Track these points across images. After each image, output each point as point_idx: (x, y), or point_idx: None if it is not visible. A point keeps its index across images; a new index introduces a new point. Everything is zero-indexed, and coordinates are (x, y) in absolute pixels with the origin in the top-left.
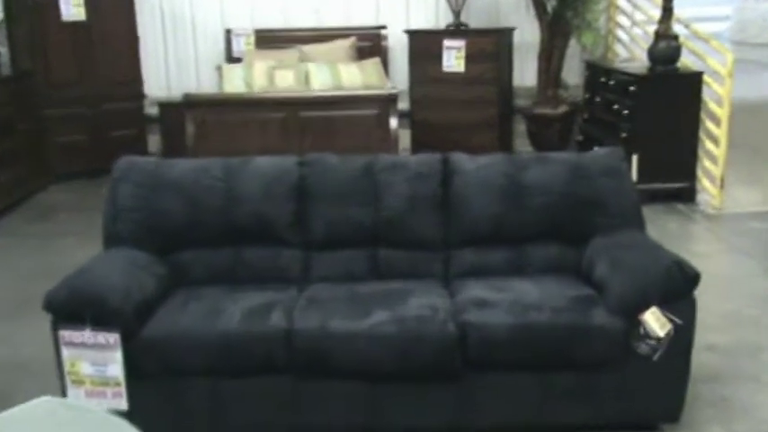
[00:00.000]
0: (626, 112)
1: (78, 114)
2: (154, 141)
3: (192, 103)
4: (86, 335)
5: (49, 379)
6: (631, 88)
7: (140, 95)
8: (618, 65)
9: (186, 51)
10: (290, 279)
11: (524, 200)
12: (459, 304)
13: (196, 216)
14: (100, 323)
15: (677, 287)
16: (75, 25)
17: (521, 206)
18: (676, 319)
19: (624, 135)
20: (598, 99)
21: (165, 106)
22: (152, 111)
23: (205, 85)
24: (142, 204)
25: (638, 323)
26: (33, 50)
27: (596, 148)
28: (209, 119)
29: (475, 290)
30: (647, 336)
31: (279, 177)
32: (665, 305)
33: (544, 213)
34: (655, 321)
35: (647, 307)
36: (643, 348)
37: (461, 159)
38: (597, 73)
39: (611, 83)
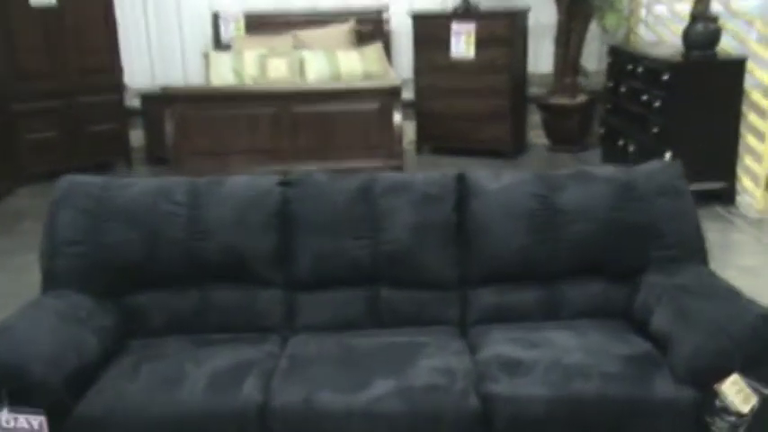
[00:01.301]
0: (657, 103)
1: (50, 108)
2: (137, 136)
3: (170, 98)
4: (3, 417)
5: None
6: (664, 77)
7: (120, 86)
8: (647, 50)
9: (171, 37)
10: (270, 327)
11: (560, 228)
12: (482, 366)
13: (153, 251)
14: (21, 401)
15: (766, 349)
16: (45, 11)
17: (555, 236)
18: (764, 390)
19: (655, 130)
20: (623, 88)
21: (149, 98)
22: (134, 103)
23: (192, 74)
24: (86, 236)
25: (715, 395)
26: None
27: (649, 162)
28: (191, 115)
29: (500, 343)
30: (726, 411)
31: (256, 202)
32: (749, 372)
33: (584, 244)
34: (736, 393)
35: (726, 375)
36: (721, 426)
37: (481, 178)
38: (622, 59)
39: (640, 70)
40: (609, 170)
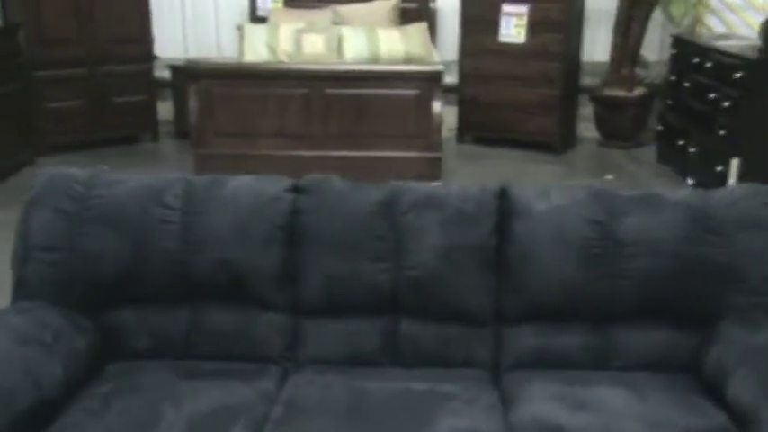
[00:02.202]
0: (726, 103)
1: (75, 77)
2: (165, 109)
3: (195, 73)
4: None
5: None
6: (736, 74)
7: (149, 57)
8: (716, 43)
9: (205, 7)
10: (269, 357)
11: (618, 261)
12: None
13: (139, 262)
14: None
15: None
16: None
17: (612, 270)
18: None
19: (721, 132)
20: (687, 83)
21: (179, 70)
22: (164, 74)
23: (226, 47)
24: (63, 242)
25: None
26: (23, 0)
27: (729, 184)
28: (217, 92)
29: (540, 401)
30: None
31: (261, 210)
32: None
33: (647, 282)
34: None
35: None
36: None
37: (526, 195)
38: (688, 51)
39: (708, 65)
40: (681, 195)
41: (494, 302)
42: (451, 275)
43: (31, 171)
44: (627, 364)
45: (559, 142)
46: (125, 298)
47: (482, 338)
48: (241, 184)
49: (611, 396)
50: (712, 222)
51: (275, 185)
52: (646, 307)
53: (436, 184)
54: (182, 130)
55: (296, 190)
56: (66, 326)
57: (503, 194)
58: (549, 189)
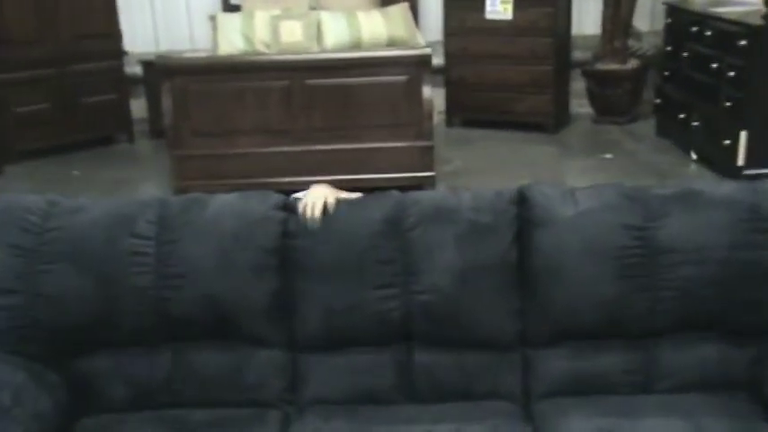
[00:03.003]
0: (731, 73)
1: (40, 78)
2: (139, 107)
3: (168, 70)
4: None
5: None
6: (740, 42)
7: (119, 53)
8: (715, 9)
9: None
10: (267, 401)
11: (660, 271)
12: None
13: (110, 302)
14: None
15: None
16: None
17: (653, 282)
18: None
19: (727, 104)
20: (685, 53)
21: (151, 65)
22: (136, 70)
23: (200, 38)
24: (21, 284)
25: None
26: None
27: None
28: (192, 89)
29: None
30: None
31: (248, 233)
32: None
33: (694, 293)
34: None
35: None
36: None
37: (549, 200)
38: (684, 20)
39: (708, 33)
40: (726, 190)
41: (519, 324)
42: (469, 297)
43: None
44: (674, 386)
45: (552, 121)
46: (97, 343)
47: (508, 366)
48: (223, 203)
49: (662, 428)
50: (764, 221)
51: (262, 203)
52: (692, 320)
53: (443, 191)
54: (157, 128)
55: (286, 207)
56: (28, 383)
57: (521, 200)
58: (573, 191)
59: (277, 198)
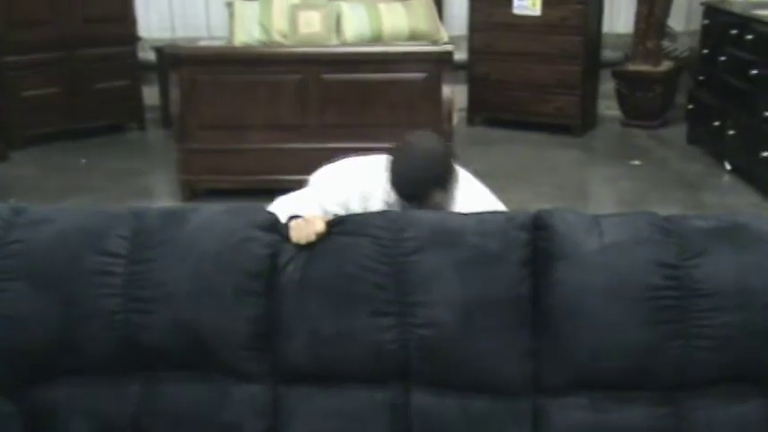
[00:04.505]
0: None
1: (49, 61)
2: (152, 94)
3: (177, 59)
4: None
5: None
6: None
7: (132, 38)
8: (759, 12)
9: None
10: None
11: (697, 316)
12: None
13: (73, 326)
14: None
15: None
16: None
17: (689, 328)
18: None
19: (767, 113)
20: (723, 57)
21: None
22: (150, 56)
23: (217, 27)
24: None
25: None
26: None
27: None
28: (201, 80)
29: None
30: None
31: (232, 255)
32: None
33: (735, 343)
34: None
35: None
36: None
37: (570, 229)
38: (723, 21)
39: (748, 37)
40: None
41: (531, 369)
42: (474, 334)
43: (3, 169)
44: None
45: (579, 123)
46: (56, 373)
47: (517, 414)
48: (205, 219)
49: None
50: None
51: (248, 222)
52: (731, 373)
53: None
54: (170, 117)
55: (274, 227)
56: None
57: (539, 227)
58: (599, 220)
59: (265, 216)
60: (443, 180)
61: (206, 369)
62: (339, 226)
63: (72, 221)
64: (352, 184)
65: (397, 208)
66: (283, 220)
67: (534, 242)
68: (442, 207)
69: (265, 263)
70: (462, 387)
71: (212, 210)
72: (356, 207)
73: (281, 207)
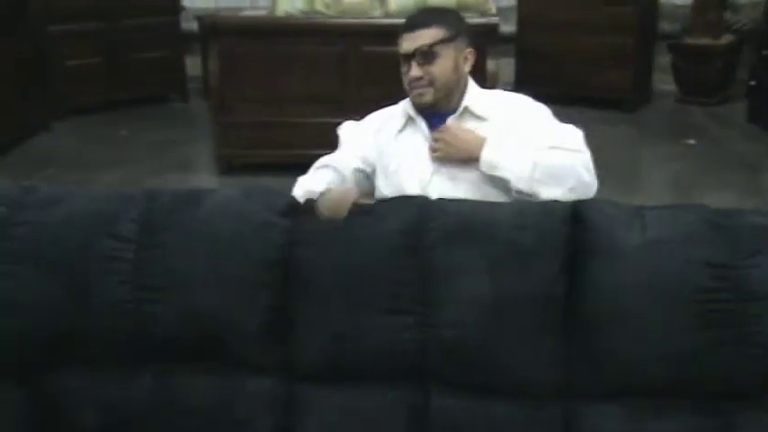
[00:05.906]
0: None
1: (92, 31)
2: (195, 65)
3: (216, 29)
4: None
5: None
6: None
7: (175, 7)
8: None
9: None
10: None
11: (749, 321)
12: None
13: (82, 314)
14: None
15: None
16: None
17: (740, 334)
18: None
19: None
20: None
21: None
22: (193, 26)
23: None
24: None
25: None
26: None
27: None
28: (240, 51)
29: None
30: None
31: (247, 241)
32: None
33: None
34: None
35: None
36: None
37: (611, 222)
38: None
39: None
40: None
41: (561, 372)
42: (502, 334)
43: (44, 139)
44: None
45: (632, 98)
46: (64, 361)
47: (547, 422)
48: (220, 203)
49: None
50: None
51: (266, 206)
52: None
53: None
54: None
55: (293, 212)
56: None
57: (576, 218)
58: (642, 212)
59: (284, 200)
60: (448, 22)
61: (218, 361)
62: (362, 215)
63: (84, 203)
64: (366, 126)
65: (409, 133)
66: (300, 197)
67: (572, 237)
68: (449, 72)
69: (282, 251)
70: (486, 390)
71: (227, 193)
72: (372, 152)
73: (298, 184)
